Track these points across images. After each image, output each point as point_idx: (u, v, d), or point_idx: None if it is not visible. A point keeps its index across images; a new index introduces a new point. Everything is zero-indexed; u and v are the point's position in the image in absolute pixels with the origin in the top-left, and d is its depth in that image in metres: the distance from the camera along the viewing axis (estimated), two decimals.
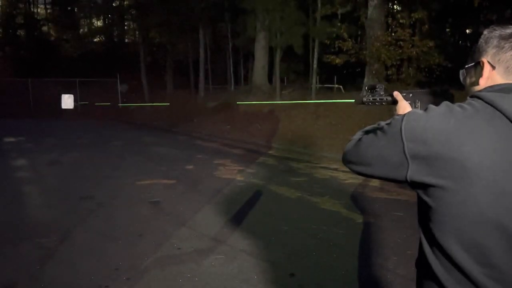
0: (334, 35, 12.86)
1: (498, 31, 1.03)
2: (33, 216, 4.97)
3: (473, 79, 1.08)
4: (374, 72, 11.49)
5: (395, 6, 13.06)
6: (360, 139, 1.11)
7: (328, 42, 13.48)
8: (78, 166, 8.11)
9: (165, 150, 10.26)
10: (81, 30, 35.20)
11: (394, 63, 11.34)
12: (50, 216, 4.94)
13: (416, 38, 11.60)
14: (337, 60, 12.53)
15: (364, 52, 11.90)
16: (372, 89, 1.42)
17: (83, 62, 27.49)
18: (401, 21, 11.32)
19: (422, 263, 1.07)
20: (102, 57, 28.77)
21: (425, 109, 1.00)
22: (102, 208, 5.21)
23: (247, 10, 15.19)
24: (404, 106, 1.28)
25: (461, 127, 0.93)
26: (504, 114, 0.92)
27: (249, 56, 20.27)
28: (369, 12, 11.83)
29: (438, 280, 1.00)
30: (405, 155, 0.97)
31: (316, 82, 15.01)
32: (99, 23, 35.43)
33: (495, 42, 1.02)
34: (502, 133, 0.92)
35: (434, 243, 1.00)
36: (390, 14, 12.04)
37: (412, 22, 11.91)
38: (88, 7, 32.39)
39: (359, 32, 15.99)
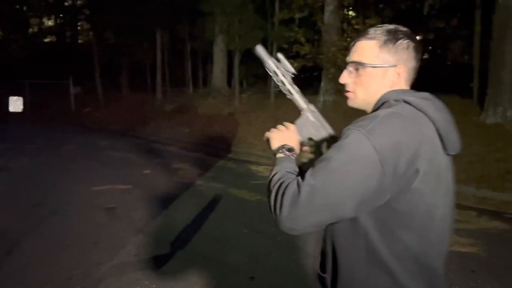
0: (292, 39, 13.05)
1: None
2: None
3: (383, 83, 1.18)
4: (330, 76, 11.75)
5: (350, 12, 13.42)
6: (308, 194, 0.97)
7: (286, 47, 13.66)
8: (28, 172, 7.72)
9: (121, 154, 9.98)
10: (31, 29, 33.67)
11: None
12: None
13: None
14: (295, 64, 12.71)
15: (321, 56, 12.15)
16: (278, 60, 1.31)
17: (33, 63, 26.26)
18: (356, 26, 11.66)
19: (367, 260, 1.07)
20: (53, 58, 27.61)
21: (374, 120, 1.01)
22: (55, 216, 4.99)
23: (206, 13, 15.12)
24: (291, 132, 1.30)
25: (416, 134, 1.02)
26: (432, 121, 1.05)
27: (208, 58, 20.16)
28: (325, 18, 12.10)
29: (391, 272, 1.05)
30: (388, 177, 0.97)
31: (275, 85, 15.16)
32: (50, 23, 34.03)
33: None
34: (434, 139, 1.05)
35: (393, 240, 1.04)
36: (346, 19, 12.36)
37: (366, 28, 12.28)
38: (38, 5, 31.05)
39: (316, 37, 16.33)
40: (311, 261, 3.66)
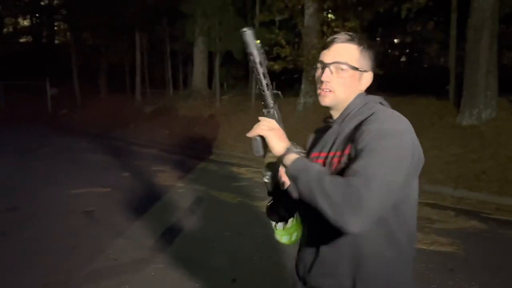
0: (273, 41, 13.08)
1: None
2: None
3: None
4: (310, 78, 11.83)
5: (329, 15, 13.55)
6: (380, 190, 0.99)
7: (267, 49, 13.69)
8: (2, 176, 7.51)
9: (99, 157, 9.81)
10: (5, 29, 32.86)
11: None
12: None
13: None
14: (276, 66, 12.74)
15: (301, 59, 12.21)
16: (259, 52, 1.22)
17: (9, 64, 25.62)
18: (335, 29, 11.75)
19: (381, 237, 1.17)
20: (30, 59, 26.99)
21: (393, 119, 1.12)
22: (31, 220, 4.86)
23: (186, 14, 15.02)
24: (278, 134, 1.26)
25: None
26: None
27: (188, 60, 20.03)
28: (305, 20, 12.17)
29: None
30: (412, 163, 1.09)
31: (256, 87, 15.18)
32: (26, 23, 33.26)
33: None
34: None
35: (401, 222, 1.17)
36: (326, 22, 12.46)
37: (346, 31, 12.40)
38: (13, 5, 30.33)
39: (296, 40, 16.42)
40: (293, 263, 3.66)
